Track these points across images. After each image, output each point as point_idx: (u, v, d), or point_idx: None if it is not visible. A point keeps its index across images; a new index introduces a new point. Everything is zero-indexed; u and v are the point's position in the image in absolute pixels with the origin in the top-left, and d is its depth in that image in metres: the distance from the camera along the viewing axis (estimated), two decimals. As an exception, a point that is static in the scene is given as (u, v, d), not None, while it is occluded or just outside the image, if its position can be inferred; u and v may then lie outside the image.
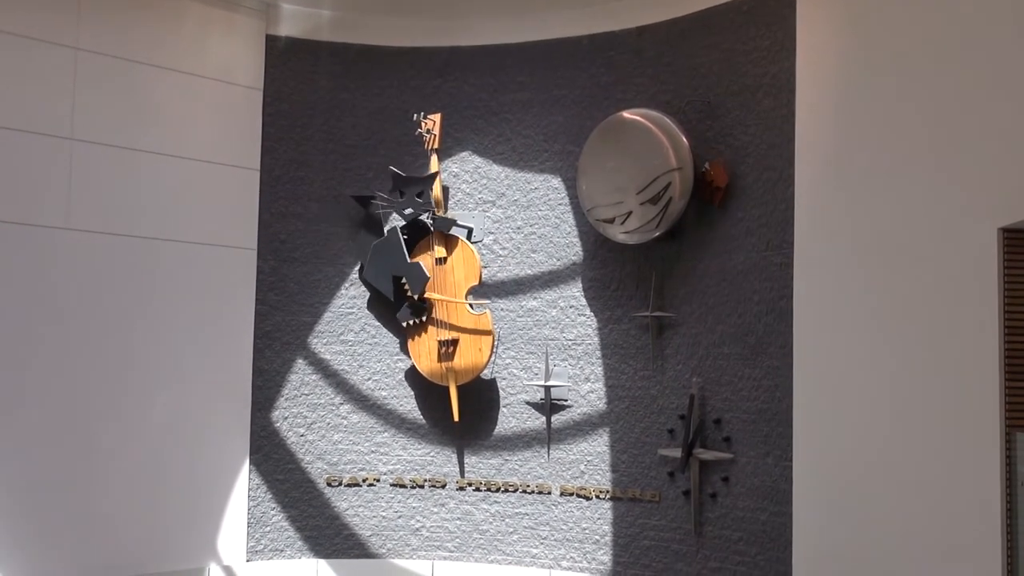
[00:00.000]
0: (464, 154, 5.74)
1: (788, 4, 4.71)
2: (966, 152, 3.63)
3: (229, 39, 5.60)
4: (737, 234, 4.93)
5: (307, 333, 5.72)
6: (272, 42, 5.72)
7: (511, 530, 5.55)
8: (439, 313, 5.50)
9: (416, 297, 5.48)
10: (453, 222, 5.55)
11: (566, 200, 5.55)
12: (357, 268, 5.73)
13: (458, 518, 5.62)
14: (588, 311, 5.47)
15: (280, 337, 5.67)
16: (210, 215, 5.47)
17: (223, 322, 5.51)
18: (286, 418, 5.65)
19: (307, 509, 5.63)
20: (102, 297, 5.08)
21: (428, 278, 5.46)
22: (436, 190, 5.50)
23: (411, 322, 5.51)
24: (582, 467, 5.43)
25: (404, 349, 5.65)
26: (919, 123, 3.89)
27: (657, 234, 5.03)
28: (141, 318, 5.20)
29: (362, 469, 5.70)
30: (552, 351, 5.52)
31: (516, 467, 5.57)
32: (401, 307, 5.53)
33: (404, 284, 5.51)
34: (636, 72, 5.38)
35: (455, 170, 5.74)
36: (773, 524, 4.63)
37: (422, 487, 5.66)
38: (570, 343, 5.49)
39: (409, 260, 5.50)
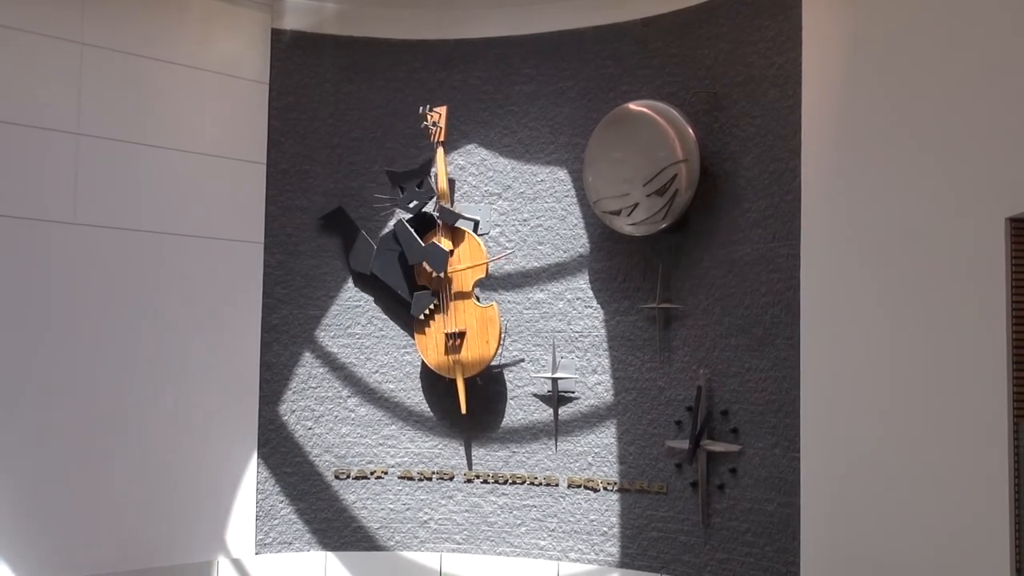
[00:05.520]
0: (470, 147, 5.74)
1: (794, -6, 4.70)
2: (974, 141, 3.62)
3: (234, 33, 5.61)
4: (744, 225, 4.92)
5: (314, 326, 5.73)
6: (277, 36, 5.73)
7: (519, 522, 5.56)
8: (450, 293, 5.49)
9: (442, 275, 5.47)
10: (459, 215, 5.55)
11: (572, 192, 5.54)
12: (351, 281, 5.75)
13: (466, 510, 5.64)
14: (595, 303, 5.47)
15: (287, 331, 5.68)
16: (216, 209, 5.48)
17: (230, 316, 5.52)
18: (294, 411, 5.67)
19: (315, 502, 5.65)
20: (109, 292, 5.10)
21: (448, 253, 5.45)
22: (442, 182, 5.50)
23: (429, 311, 5.50)
24: (589, 459, 5.44)
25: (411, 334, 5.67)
26: (926, 112, 3.87)
27: (664, 226, 5.03)
28: (148, 313, 5.22)
29: (370, 462, 5.71)
30: (559, 343, 5.52)
31: (524, 459, 5.58)
32: (413, 301, 5.52)
33: (428, 268, 5.49)
34: (641, 64, 5.37)
35: (461, 163, 5.74)
36: (781, 515, 4.63)
37: (430, 479, 5.67)
38: (577, 335, 5.50)
39: (423, 244, 5.50)
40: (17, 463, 4.79)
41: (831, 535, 4.31)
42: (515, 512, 5.57)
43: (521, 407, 5.60)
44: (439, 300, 5.52)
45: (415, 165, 5.58)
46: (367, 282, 5.72)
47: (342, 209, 5.71)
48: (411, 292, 5.55)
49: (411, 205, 5.54)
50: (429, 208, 5.57)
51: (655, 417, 5.26)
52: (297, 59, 5.75)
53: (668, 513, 5.17)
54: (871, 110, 4.19)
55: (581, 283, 5.51)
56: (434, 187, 5.51)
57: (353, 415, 5.73)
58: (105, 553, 5.03)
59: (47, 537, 4.87)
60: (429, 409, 5.71)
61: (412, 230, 5.50)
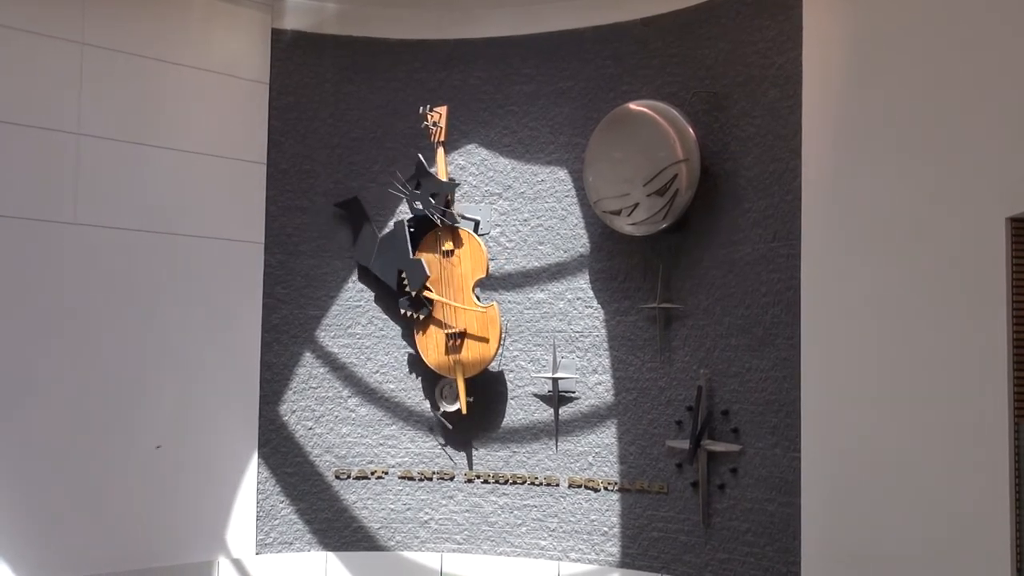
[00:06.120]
0: (470, 146, 5.74)
1: (794, -6, 4.70)
2: (974, 141, 3.62)
3: (235, 33, 5.61)
4: (744, 225, 4.92)
5: (315, 326, 5.73)
6: (277, 36, 5.73)
7: (519, 522, 5.56)
8: (446, 307, 5.49)
9: (413, 294, 5.49)
10: (460, 215, 5.55)
11: (572, 192, 5.54)
12: (356, 274, 5.73)
13: (466, 510, 5.64)
14: (595, 303, 5.47)
15: (288, 331, 5.68)
16: (217, 209, 5.49)
17: (231, 316, 5.52)
18: (294, 411, 5.67)
19: (316, 502, 5.66)
20: (110, 292, 5.10)
21: (427, 275, 5.46)
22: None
23: (409, 314, 5.51)
24: (590, 459, 5.44)
25: (411, 342, 5.66)
26: (926, 112, 3.87)
27: (664, 225, 5.03)
28: (149, 313, 5.22)
29: (370, 462, 5.71)
30: (559, 343, 5.52)
31: (524, 459, 5.58)
32: (403, 298, 5.54)
33: (403, 278, 5.51)
34: (642, 63, 5.37)
35: (461, 163, 5.74)
36: (781, 515, 4.64)
37: (430, 479, 5.67)
38: (577, 335, 5.50)
39: (412, 256, 5.50)
40: (17, 463, 4.79)
41: (831, 535, 4.31)
42: (516, 512, 5.58)
43: (521, 407, 5.60)
44: (436, 301, 5.52)
45: (433, 167, 5.55)
46: (370, 276, 5.71)
47: (358, 199, 5.68)
48: (405, 292, 5.56)
49: (416, 205, 5.53)
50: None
51: (655, 417, 5.26)
52: (297, 59, 5.75)
53: (669, 513, 5.17)
54: (871, 110, 4.19)
55: (581, 283, 5.50)
56: (443, 201, 5.51)
57: (354, 415, 5.73)
58: (105, 553, 5.03)
59: (47, 537, 4.87)
60: (430, 409, 5.71)
61: (408, 235, 5.51)
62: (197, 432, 5.36)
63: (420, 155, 5.54)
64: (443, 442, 5.67)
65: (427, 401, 5.70)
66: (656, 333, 5.27)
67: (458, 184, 5.58)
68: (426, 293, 5.49)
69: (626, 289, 5.38)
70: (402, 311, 5.56)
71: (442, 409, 5.58)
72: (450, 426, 5.59)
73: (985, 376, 3.52)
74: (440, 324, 5.50)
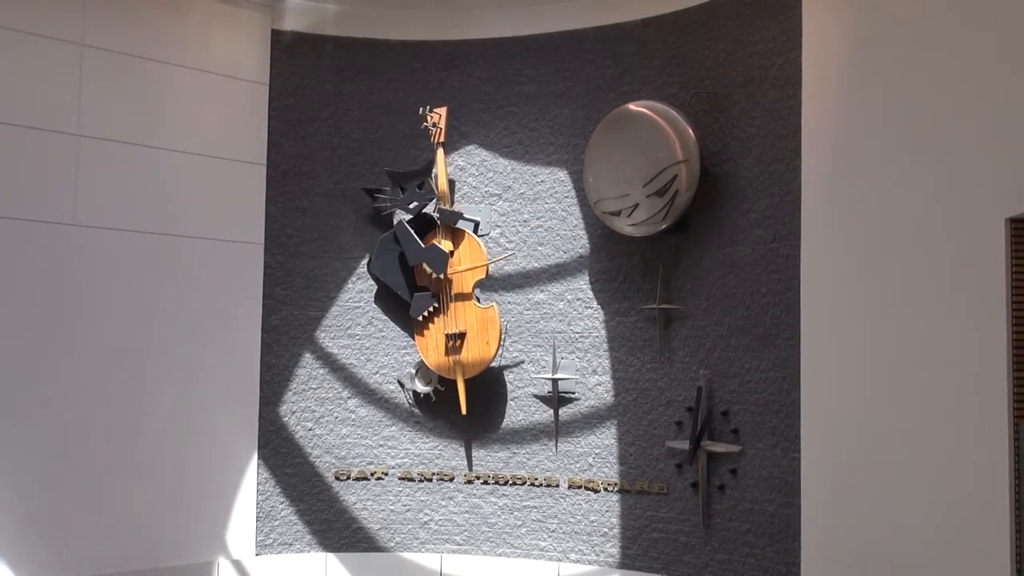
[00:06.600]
0: (470, 147, 5.74)
1: (794, -6, 4.70)
2: (974, 142, 3.62)
3: (234, 34, 5.61)
4: (744, 226, 4.92)
5: (314, 327, 5.73)
6: (277, 37, 5.73)
7: (519, 523, 5.56)
8: (448, 306, 5.49)
9: (441, 277, 5.47)
10: (459, 216, 5.55)
11: (572, 193, 5.54)
12: (365, 262, 5.74)
13: (466, 511, 5.63)
14: (595, 304, 5.47)
15: (288, 331, 5.68)
16: (217, 210, 5.49)
17: (231, 317, 5.52)
18: (294, 412, 5.67)
19: (316, 503, 5.65)
20: (110, 293, 5.10)
21: (448, 255, 5.45)
22: (442, 183, 5.50)
23: (428, 312, 5.49)
24: (590, 460, 5.44)
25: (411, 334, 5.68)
26: (926, 113, 3.87)
27: (664, 226, 5.03)
28: (149, 314, 5.22)
29: (370, 463, 5.71)
30: (559, 344, 5.52)
31: (524, 460, 5.58)
32: (412, 303, 5.52)
33: (427, 269, 5.48)
34: (642, 64, 5.37)
35: (461, 163, 5.74)
36: (781, 516, 4.63)
37: (430, 480, 5.67)
38: (577, 336, 5.49)
39: (423, 245, 5.50)
40: (18, 463, 4.79)
41: (831, 535, 4.30)
42: (515, 513, 5.57)
43: (521, 408, 5.60)
44: (439, 301, 5.52)
45: (416, 166, 5.59)
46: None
47: (382, 192, 5.67)
48: (411, 293, 5.55)
49: (411, 206, 5.54)
50: (429, 209, 5.58)
51: (655, 418, 5.25)
52: (297, 60, 5.76)
53: (669, 514, 5.17)
54: (871, 110, 4.19)
55: (581, 284, 5.50)
56: (435, 188, 5.52)
57: (353, 416, 5.73)
58: (106, 554, 5.03)
59: (48, 538, 4.87)
60: (429, 410, 5.70)
61: (412, 231, 5.50)
62: (197, 433, 5.36)
63: (387, 168, 5.60)
64: (412, 402, 5.68)
65: (425, 402, 5.71)
66: (656, 334, 5.26)
67: (432, 161, 5.55)
68: (450, 272, 5.48)
69: (626, 290, 5.38)
70: (420, 319, 5.53)
71: (414, 387, 5.57)
72: (416, 409, 5.59)
73: (985, 376, 3.52)
74: (447, 312, 5.49)
